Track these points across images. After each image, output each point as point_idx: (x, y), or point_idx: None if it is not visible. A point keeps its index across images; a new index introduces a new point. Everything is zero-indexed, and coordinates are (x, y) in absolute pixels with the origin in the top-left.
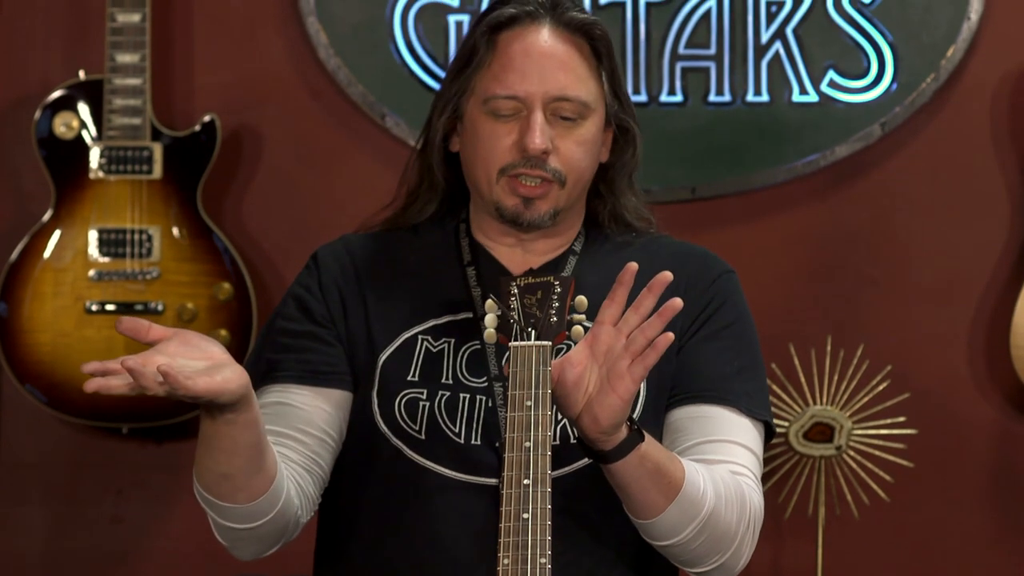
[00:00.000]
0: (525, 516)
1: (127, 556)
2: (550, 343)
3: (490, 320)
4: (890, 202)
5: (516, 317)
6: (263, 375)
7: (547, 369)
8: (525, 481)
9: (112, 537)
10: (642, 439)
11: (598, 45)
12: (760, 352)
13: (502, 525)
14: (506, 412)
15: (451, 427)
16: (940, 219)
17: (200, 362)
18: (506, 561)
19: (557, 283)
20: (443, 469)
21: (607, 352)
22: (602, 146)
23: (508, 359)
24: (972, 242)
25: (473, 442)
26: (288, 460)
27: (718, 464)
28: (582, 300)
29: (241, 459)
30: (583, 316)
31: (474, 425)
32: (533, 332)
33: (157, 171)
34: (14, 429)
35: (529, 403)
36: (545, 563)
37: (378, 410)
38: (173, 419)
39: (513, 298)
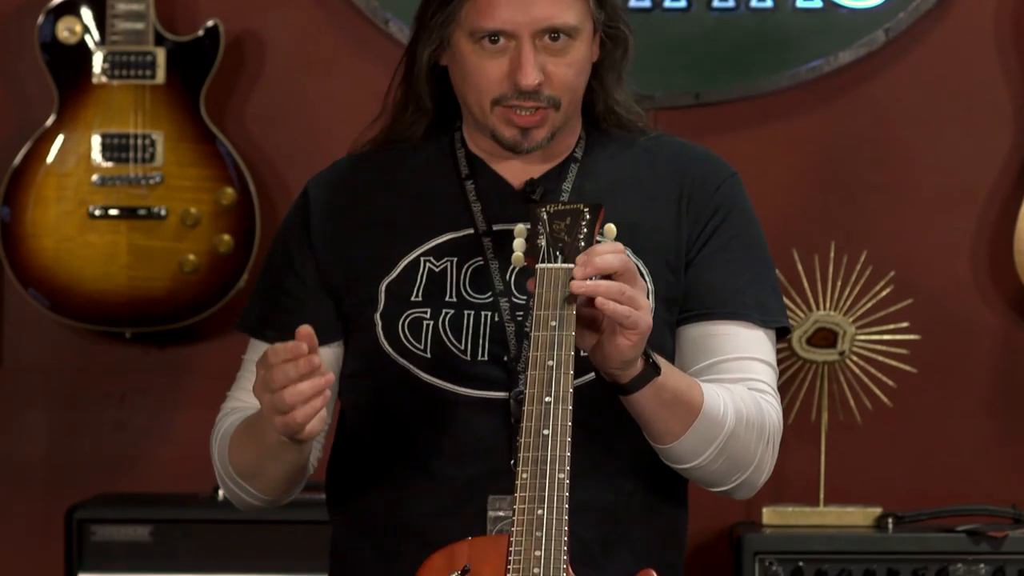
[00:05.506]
0: (545, 432)
1: (130, 461)
2: (575, 265)
3: (518, 244)
4: (894, 108)
5: (544, 241)
6: (253, 328)
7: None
8: (547, 398)
9: (115, 442)
10: (658, 373)
11: None
12: (768, 253)
13: (521, 440)
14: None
15: (456, 344)
16: (944, 125)
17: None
18: (524, 475)
19: (586, 210)
20: (451, 385)
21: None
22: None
23: (535, 279)
24: (976, 148)
25: (480, 358)
26: None
27: (736, 383)
28: (611, 227)
29: (286, 469)
30: None
31: (480, 341)
32: (560, 256)
33: (160, 76)
34: (17, 334)
35: (554, 323)
36: (564, 478)
37: (382, 332)
38: (177, 323)
39: (542, 224)
